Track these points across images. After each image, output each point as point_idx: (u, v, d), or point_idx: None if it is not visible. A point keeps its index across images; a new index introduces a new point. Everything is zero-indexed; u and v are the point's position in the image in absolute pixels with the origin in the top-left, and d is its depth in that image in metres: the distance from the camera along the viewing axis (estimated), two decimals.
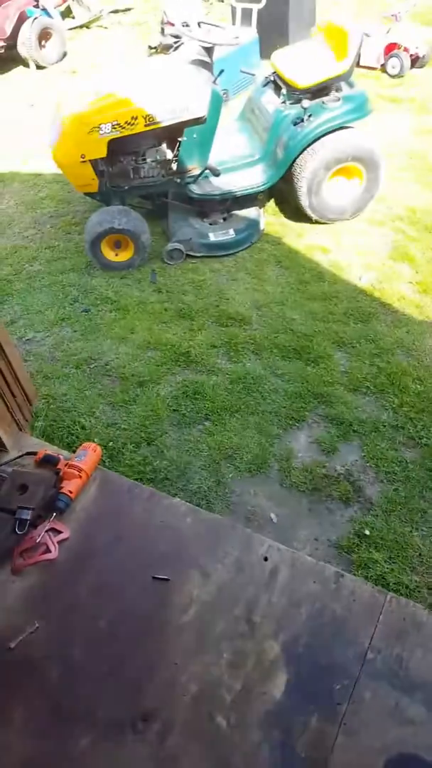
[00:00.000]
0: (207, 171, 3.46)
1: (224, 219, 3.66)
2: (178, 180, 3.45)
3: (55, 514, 1.48)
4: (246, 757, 0.89)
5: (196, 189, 3.51)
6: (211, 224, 3.62)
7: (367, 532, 1.98)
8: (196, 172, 3.44)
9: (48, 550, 1.41)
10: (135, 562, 1.24)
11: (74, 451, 1.61)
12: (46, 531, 1.44)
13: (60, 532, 1.46)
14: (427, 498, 2.11)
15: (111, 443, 2.31)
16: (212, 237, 3.53)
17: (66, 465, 1.60)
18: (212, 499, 2.12)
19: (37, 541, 1.41)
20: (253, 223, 3.65)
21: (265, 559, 1.26)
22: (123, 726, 0.91)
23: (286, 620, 1.09)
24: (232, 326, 2.98)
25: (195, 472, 2.23)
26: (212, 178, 3.54)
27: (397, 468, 2.22)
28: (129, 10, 7.63)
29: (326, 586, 1.12)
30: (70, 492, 1.53)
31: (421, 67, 5.26)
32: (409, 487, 2.14)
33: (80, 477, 1.56)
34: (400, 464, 2.23)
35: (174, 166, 3.39)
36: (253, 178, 3.58)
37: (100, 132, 3.06)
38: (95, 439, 2.28)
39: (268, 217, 3.80)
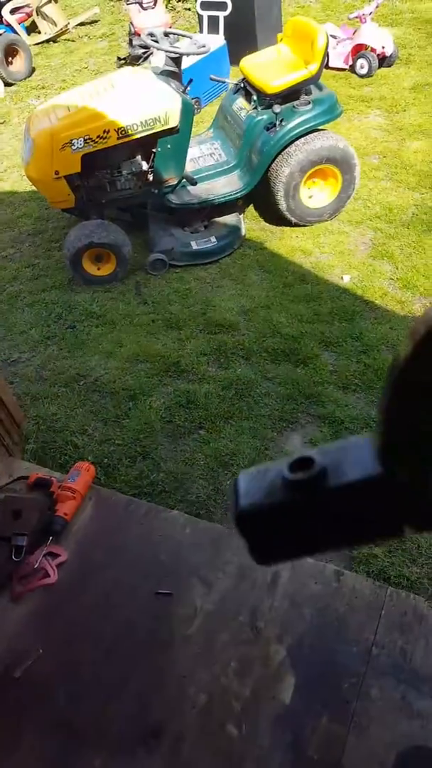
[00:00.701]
0: (184, 180, 3.49)
1: (205, 227, 3.69)
2: (156, 191, 3.48)
3: (51, 537, 1.48)
4: (259, 762, 0.90)
5: (174, 199, 3.54)
6: (192, 233, 3.65)
7: None
8: (173, 182, 3.47)
9: (47, 575, 1.41)
10: (136, 578, 1.25)
11: (67, 472, 1.62)
12: (44, 555, 1.44)
13: (58, 555, 1.46)
14: None
15: (106, 460, 2.32)
16: (194, 245, 3.56)
17: (59, 487, 1.61)
18: (212, 508, 2.14)
19: (35, 566, 1.41)
20: (234, 230, 3.68)
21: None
22: (134, 743, 0.92)
23: (290, 623, 1.10)
24: (221, 333, 3.00)
25: (193, 482, 2.24)
26: (190, 187, 3.58)
27: None
28: (95, 22, 7.69)
29: (327, 586, 1.13)
30: (66, 514, 1.53)
31: (389, 66, 5.34)
32: None
33: (74, 498, 1.56)
34: None
35: (150, 177, 3.42)
36: (231, 184, 3.62)
37: (73, 147, 3.08)
38: (89, 457, 2.29)
39: (249, 223, 3.84)
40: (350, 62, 5.33)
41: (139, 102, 3.17)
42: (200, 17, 5.51)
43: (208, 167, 3.67)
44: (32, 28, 7.48)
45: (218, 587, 1.20)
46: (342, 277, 3.28)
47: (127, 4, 6.02)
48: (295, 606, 1.14)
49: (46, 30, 7.37)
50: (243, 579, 1.22)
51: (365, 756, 0.93)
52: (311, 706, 0.98)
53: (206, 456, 2.33)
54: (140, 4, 5.86)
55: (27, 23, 7.26)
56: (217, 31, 5.33)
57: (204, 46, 3.19)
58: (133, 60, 6.02)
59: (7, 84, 6.44)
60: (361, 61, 5.23)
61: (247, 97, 3.61)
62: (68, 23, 7.41)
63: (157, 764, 0.90)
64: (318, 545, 0.35)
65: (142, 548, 1.32)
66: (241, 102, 3.66)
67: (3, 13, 6.73)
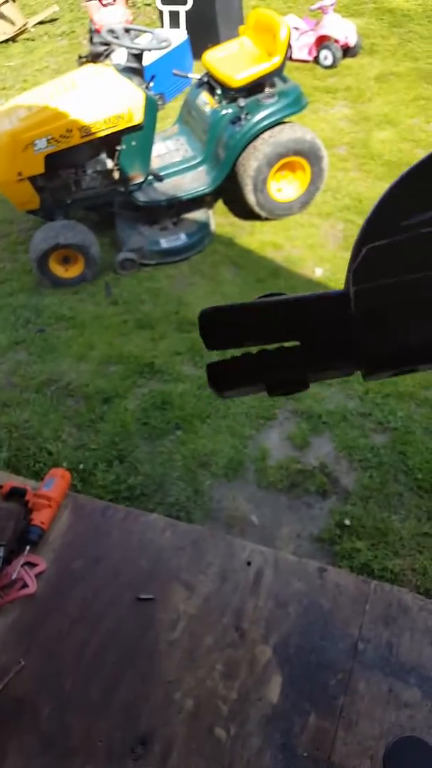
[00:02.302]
0: (150, 177, 3.48)
1: (174, 224, 3.68)
2: (122, 189, 3.45)
3: (28, 547, 1.46)
4: (249, 764, 0.90)
5: (141, 196, 3.52)
6: (161, 230, 3.64)
7: (348, 522, 2.02)
8: (139, 179, 3.45)
9: (25, 585, 1.39)
10: (117, 585, 1.24)
11: (42, 479, 1.60)
12: (22, 565, 1.42)
13: (36, 564, 1.44)
14: (401, 481, 2.16)
15: (81, 466, 2.29)
16: (164, 243, 3.55)
17: (34, 495, 1.59)
18: (191, 509, 2.13)
19: (13, 577, 1.39)
20: (204, 226, 3.68)
21: (248, 563, 1.27)
22: (122, 752, 0.91)
23: (274, 623, 1.10)
24: (194, 331, 2.99)
25: (171, 483, 2.23)
26: (157, 184, 3.56)
27: (369, 454, 2.27)
28: (55, 20, 7.59)
29: (311, 583, 1.14)
30: (42, 523, 1.51)
31: (353, 56, 5.39)
32: (383, 472, 2.19)
33: (50, 506, 1.54)
34: (372, 450, 2.28)
35: (116, 175, 3.40)
36: (198, 180, 3.61)
37: (35, 148, 3.05)
38: (64, 464, 2.26)
39: (218, 218, 3.84)
40: (314, 54, 5.37)
41: (102, 99, 3.14)
42: (161, 12, 5.49)
43: (175, 163, 3.66)
44: None
45: (200, 590, 1.20)
46: (314, 271, 3.30)
47: (87, 2, 5.96)
48: (279, 605, 1.14)
49: (5, 30, 7.26)
50: (225, 581, 1.22)
51: (355, 750, 0.94)
52: (299, 704, 0.99)
53: (184, 457, 2.32)
54: (100, 0, 5.80)
55: None
56: (178, 26, 5.32)
57: (165, 41, 3.18)
58: (94, 58, 5.94)
59: None
60: (324, 53, 5.27)
61: (211, 91, 3.61)
62: (27, 22, 7.32)
63: None
64: (276, 365, 0.35)
65: (121, 554, 1.31)
66: (205, 96, 3.66)
67: None
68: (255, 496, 2.18)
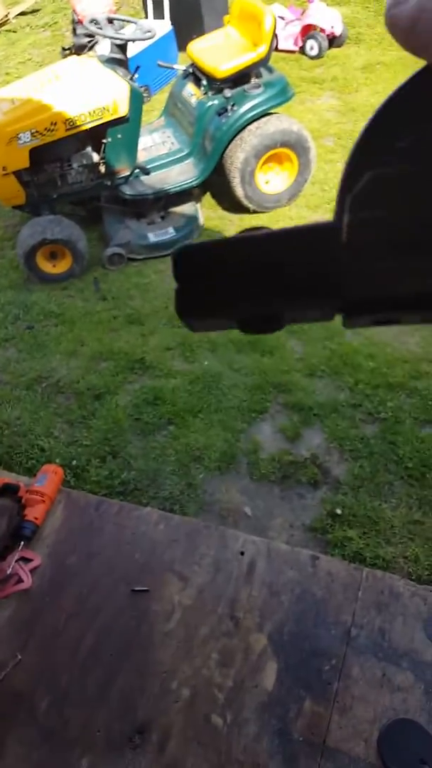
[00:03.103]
0: (137, 170, 3.47)
1: (162, 218, 3.68)
2: (109, 182, 3.45)
3: (23, 542, 1.48)
4: (246, 750, 0.92)
5: (128, 190, 3.52)
6: (149, 224, 3.64)
7: (339, 511, 2.05)
8: (126, 172, 3.45)
9: (21, 580, 1.40)
10: (111, 578, 1.26)
11: (35, 476, 1.61)
12: (16, 561, 1.44)
13: (30, 560, 1.46)
14: (392, 470, 2.19)
15: (74, 462, 2.31)
16: (152, 237, 3.55)
17: (27, 491, 1.60)
18: (185, 503, 2.15)
19: (8, 572, 1.41)
20: (192, 219, 3.68)
21: (242, 553, 1.30)
22: (120, 742, 0.93)
23: (268, 611, 1.12)
24: (185, 327, 3.01)
25: (165, 478, 2.25)
26: (143, 178, 3.56)
27: (360, 445, 2.30)
28: (37, 11, 7.52)
29: (304, 571, 1.16)
30: (36, 518, 1.52)
31: (339, 46, 5.39)
32: (374, 461, 2.22)
33: (44, 502, 1.55)
34: (362, 441, 2.31)
35: (102, 169, 3.39)
36: (185, 173, 3.61)
37: (20, 141, 3.03)
38: (57, 460, 2.28)
39: (206, 211, 3.85)
40: (300, 44, 5.36)
41: (86, 91, 3.13)
42: (145, 2, 5.46)
43: (161, 156, 3.65)
44: None
45: (195, 581, 1.22)
46: None
47: None
48: (272, 594, 1.17)
49: None
50: (219, 571, 1.24)
51: (350, 734, 0.96)
52: (294, 690, 1.01)
53: (177, 451, 2.34)
54: None
55: None
56: (162, 16, 5.29)
57: (150, 32, 3.17)
58: (78, 49, 5.91)
59: None
60: (310, 42, 5.26)
61: (197, 82, 3.61)
62: (8, 13, 7.24)
63: (145, 761, 0.91)
64: (251, 296, 0.33)
65: (116, 548, 1.32)
66: (190, 88, 3.65)
67: None
68: (248, 488, 2.21)
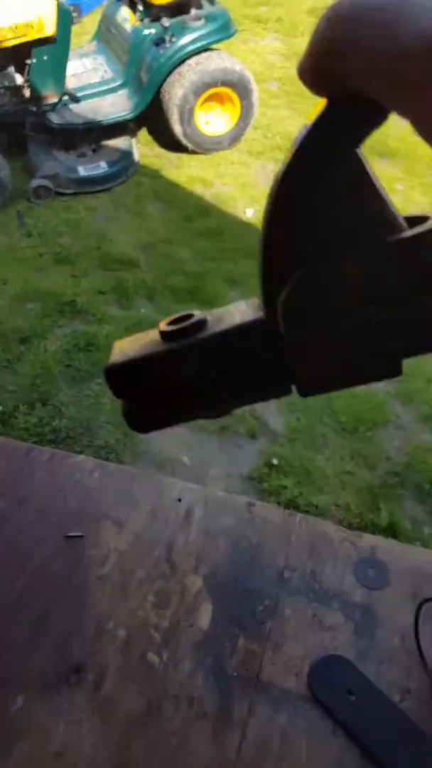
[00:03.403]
0: (65, 98, 3.29)
1: (93, 150, 3.53)
2: (34, 108, 3.25)
3: None
4: (181, 686, 0.96)
5: (56, 118, 3.34)
6: (79, 157, 3.49)
7: (275, 462, 2.12)
8: (53, 99, 3.26)
9: None
10: (44, 524, 1.25)
11: None
12: None
13: None
14: (326, 423, 2.28)
15: (0, 407, 2.24)
16: (82, 171, 3.40)
17: None
18: (120, 452, 2.15)
19: None
20: (126, 155, 3.55)
21: (179, 500, 1.31)
22: (56, 681, 0.94)
23: (204, 555, 1.15)
24: (119, 269, 2.94)
25: (100, 427, 2.23)
26: (73, 106, 3.38)
27: (297, 398, 2.35)
28: None
29: (240, 517, 1.20)
30: None
31: None
32: (309, 415, 2.30)
33: None
34: None
35: (26, 93, 3.20)
36: (119, 105, 3.46)
37: None
38: None
39: (142, 148, 3.72)
40: None
41: (8, 5, 2.90)
42: None
43: (93, 84, 3.48)
44: None
45: (131, 527, 1.22)
46: (245, 211, 3.29)
47: None
48: (209, 538, 1.19)
49: None
50: (156, 518, 1.26)
51: (282, 669, 1.02)
52: (229, 629, 1.05)
53: (112, 401, 2.31)
54: None
55: None
56: None
57: None
58: None
59: None
60: None
61: (132, 6, 3.42)
62: None
63: (81, 698, 0.93)
64: (200, 404, 0.32)
65: (47, 495, 1.31)
66: (125, 12, 3.46)
67: None
68: (186, 438, 2.23)
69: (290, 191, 0.26)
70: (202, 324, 0.30)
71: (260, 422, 2.28)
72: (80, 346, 2.51)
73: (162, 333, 0.31)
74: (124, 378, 0.31)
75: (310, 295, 0.28)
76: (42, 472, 1.48)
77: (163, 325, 0.31)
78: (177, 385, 0.32)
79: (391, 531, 1.86)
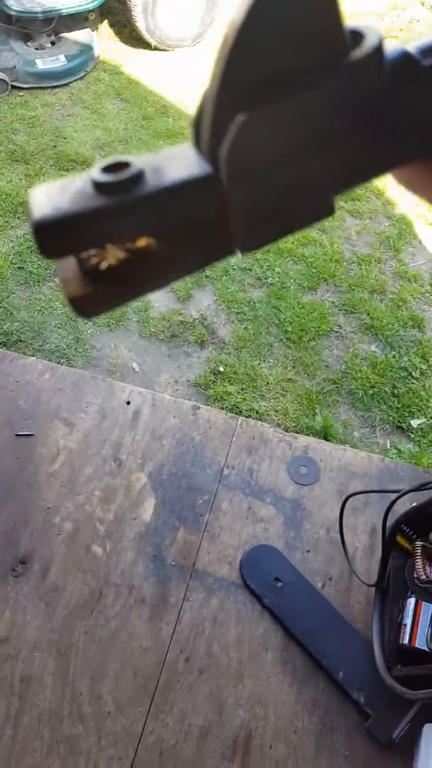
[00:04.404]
0: None
1: (52, 43, 3.14)
2: None
3: None
4: (123, 574, 0.97)
5: (13, 4, 2.93)
6: (36, 49, 3.10)
7: (222, 369, 2.09)
8: None
9: None
10: None
11: None
12: None
13: None
14: (272, 333, 2.25)
15: None
16: (40, 64, 3.05)
17: None
18: (72, 356, 2.08)
19: None
20: (86, 49, 3.18)
21: (128, 403, 1.28)
22: (3, 572, 0.93)
23: (150, 453, 1.14)
24: (75, 169, 2.71)
25: (51, 331, 2.14)
26: None
27: (246, 308, 2.31)
28: None
29: (185, 419, 1.18)
30: None
31: None
32: (257, 324, 2.26)
33: None
34: (249, 304, 2.32)
35: None
36: None
37: None
38: None
39: (103, 42, 3.34)
40: None
41: None
42: None
43: None
44: None
45: (80, 427, 1.19)
46: None
47: None
48: (155, 438, 1.17)
49: None
50: (105, 418, 1.22)
51: (216, 557, 1.03)
52: (169, 522, 1.06)
53: (64, 305, 2.21)
54: None
55: None
56: None
57: None
58: None
59: None
60: None
61: None
62: None
63: (27, 587, 0.93)
64: (144, 272, 0.28)
65: None
66: None
67: None
68: (136, 345, 2.16)
69: (245, 24, 0.23)
70: (140, 175, 0.26)
71: (209, 330, 2.23)
72: (33, 249, 2.35)
73: (96, 184, 0.25)
74: (56, 236, 0.26)
75: (252, 144, 0.25)
76: None
77: (98, 174, 0.25)
78: (110, 240, 0.27)
79: (324, 434, 1.90)
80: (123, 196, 0.25)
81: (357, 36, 0.25)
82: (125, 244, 0.27)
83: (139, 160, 0.26)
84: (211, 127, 0.26)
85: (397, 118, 0.26)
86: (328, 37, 0.24)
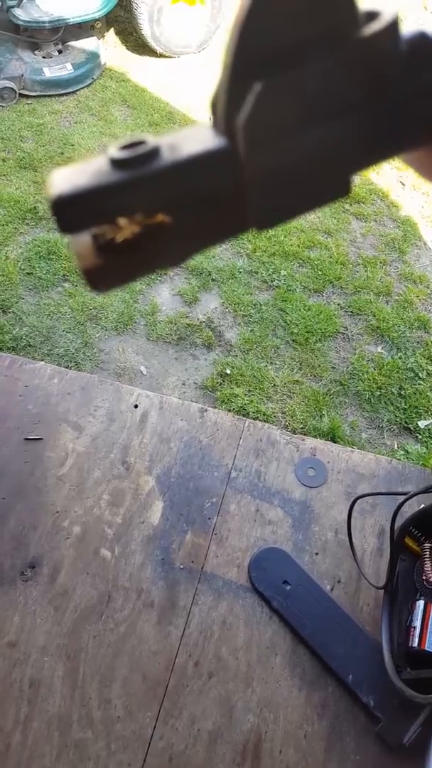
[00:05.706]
0: None
1: (59, 52, 3.15)
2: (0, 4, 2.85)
3: None
4: (132, 577, 0.96)
5: (21, 15, 2.94)
6: (44, 57, 3.11)
7: (228, 371, 2.08)
8: None
9: None
10: (3, 427, 1.19)
11: None
12: None
13: None
14: (279, 335, 2.23)
15: None
16: (47, 72, 3.05)
17: None
18: (80, 360, 2.07)
19: None
20: (93, 57, 3.19)
21: (135, 406, 1.27)
22: (12, 576, 0.92)
23: (158, 456, 1.13)
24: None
25: (60, 335, 2.13)
26: (39, 2, 2.97)
27: (252, 311, 2.29)
28: None
29: (192, 421, 1.17)
30: None
31: None
32: (263, 326, 2.24)
33: None
34: (255, 307, 2.31)
35: None
36: (87, 2, 3.06)
37: None
38: None
39: (109, 50, 3.34)
40: None
41: None
42: None
43: None
44: None
45: (89, 431, 1.18)
46: (210, 118, 3.05)
47: None
48: (163, 441, 1.17)
49: None
50: (113, 422, 1.22)
51: (225, 560, 1.02)
52: (177, 525, 1.04)
53: (73, 309, 2.21)
54: None
55: None
56: None
57: None
58: None
59: None
60: None
61: None
62: None
63: (36, 591, 0.92)
64: (157, 247, 0.28)
65: (7, 399, 1.24)
66: None
67: None
68: (144, 348, 2.16)
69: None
70: (156, 152, 0.26)
71: (216, 333, 2.22)
72: (41, 254, 2.35)
73: (113, 161, 0.25)
74: (74, 211, 0.26)
75: (269, 111, 0.25)
76: (1, 377, 1.41)
77: (114, 151, 0.26)
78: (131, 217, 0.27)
79: (332, 436, 1.89)
80: (138, 170, 0.25)
81: (373, 15, 0.26)
82: (140, 219, 0.27)
83: (155, 139, 0.26)
84: (227, 95, 0.26)
85: (414, 96, 0.27)
86: (339, 7, 0.24)
